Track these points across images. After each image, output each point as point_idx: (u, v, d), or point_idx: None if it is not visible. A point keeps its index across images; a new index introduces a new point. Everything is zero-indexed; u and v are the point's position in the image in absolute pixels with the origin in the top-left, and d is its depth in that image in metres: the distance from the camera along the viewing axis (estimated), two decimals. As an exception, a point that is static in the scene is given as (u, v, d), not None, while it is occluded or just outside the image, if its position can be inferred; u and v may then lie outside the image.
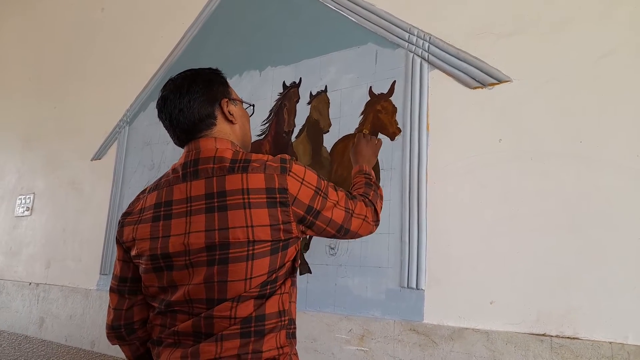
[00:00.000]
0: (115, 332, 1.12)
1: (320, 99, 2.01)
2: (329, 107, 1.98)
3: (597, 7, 1.45)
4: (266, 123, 2.17)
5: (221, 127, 1.10)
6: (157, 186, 1.10)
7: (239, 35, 2.40)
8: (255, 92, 2.25)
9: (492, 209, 1.51)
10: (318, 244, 1.88)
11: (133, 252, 1.06)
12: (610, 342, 1.26)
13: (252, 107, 1.24)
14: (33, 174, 3.45)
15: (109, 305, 1.14)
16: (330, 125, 1.95)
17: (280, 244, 0.98)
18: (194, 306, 0.97)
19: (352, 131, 1.88)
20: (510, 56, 1.57)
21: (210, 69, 1.17)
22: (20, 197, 3.46)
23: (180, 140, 1.12)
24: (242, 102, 1.19)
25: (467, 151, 1.59)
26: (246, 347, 0.94)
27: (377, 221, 1.22)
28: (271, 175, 0.98)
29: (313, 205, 1.03)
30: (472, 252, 1.51)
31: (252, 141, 2.17)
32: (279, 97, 2.15)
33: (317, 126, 2.00)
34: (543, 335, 1.35)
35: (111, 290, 1.13)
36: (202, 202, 0.98)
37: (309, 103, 2.05)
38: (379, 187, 1.32)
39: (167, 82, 1.15)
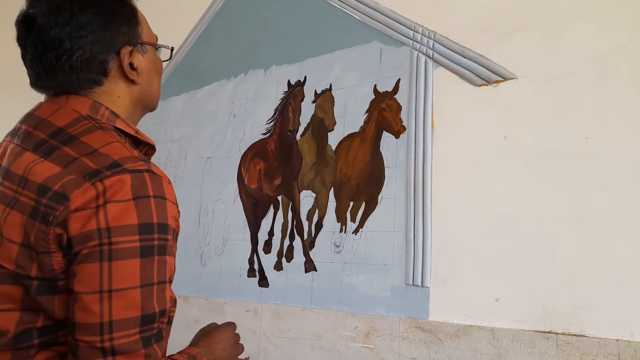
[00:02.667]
0: None
1: (325, 98, 2.02)
2: (333, 105, 1.98)
3: (601, 4, 1.45)
4: (271, 122, 2.18)
5: (110, 87, 0.75)
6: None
7: (244, 35, 2.41)
8: (260, 91, 2.26)
9: (497, 206, 1.51)
10: (323, 241, 1.89)
11: None
12: (617, 340, 1.25)
13: (170, 50, 0.89)
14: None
15: None
16: (335, 123, 1.96)
17: (34, 283, 0.64)
18: None
19: (357, 129, 1.88)
20: (515, 54, 1.56)
21: None
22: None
23: (42, 87, 0.76)
24: (156, 45, 0.84)
25: (472, 149, 1.59)
26: None
27: None
28: (66, 172, 0.63)
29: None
30: (477, 250, 1.51)
31: (257, 139, 2.22)
32: (283, 95, 2.16)
33: (322, 124, 2.00)
34: (549, 332, 1.35)
35: None
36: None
37: (313, 101, 2.05)
38: None
39: None
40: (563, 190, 1.41)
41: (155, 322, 0.63)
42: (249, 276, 2.09)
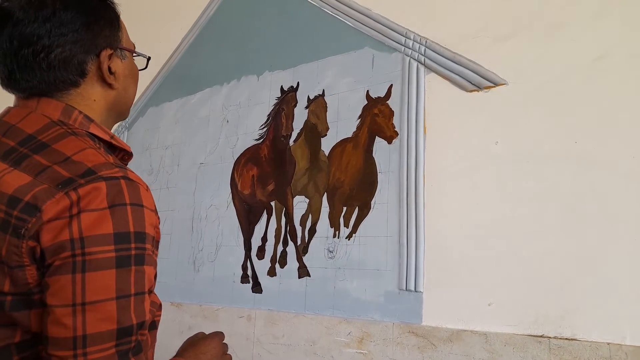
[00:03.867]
0: None
1: (317, 103, 2.03)
2: (326, 111, 1.99)
3: (590, 10, 1.47)
4: (264, 127, 2.18)
5: (86, 91, 0.72)
6: None
7: (237, 41, 2.42)
8: (253, 97, 2.26)
9: (489, 211, 1.52)
10: (316, 247, 1.89)
11: None
12: (608, 343, 1.26)
13: (147, 59, 0.87)
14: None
15: None
16: (328, 129, 1.96)
17: (8, 299, 0.62)
18: None
19: (349, 135, 1.89)
20: (505, 59, 1.58)
21: None
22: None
23: (12, 86, 0.70)
24: (133, 52, 0.82)
25: (464, 154, 1.60)
26: None
27: None
28: (38, 182, 0.59)
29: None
30: (470, 254, 1.52)
31: (250, 145, 2.22)
32: (276, 101, 2.17)
33: (314, 130, 2.01)
34: (541, 336, 1.36)
35: None
36: None
37: (306, 107, 2.06)
38: None
39: None
40: (554, 195, 1.42)
41: (132, 335, 0.59)
42: (242, 282, 2.08)
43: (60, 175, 0.59)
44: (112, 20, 0.75)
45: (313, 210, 1.94)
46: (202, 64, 2.56)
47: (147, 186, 0.66)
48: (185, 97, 2.56)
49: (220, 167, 2.28)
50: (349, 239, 1.80)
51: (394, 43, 1.84)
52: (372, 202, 1.77)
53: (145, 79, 2.84)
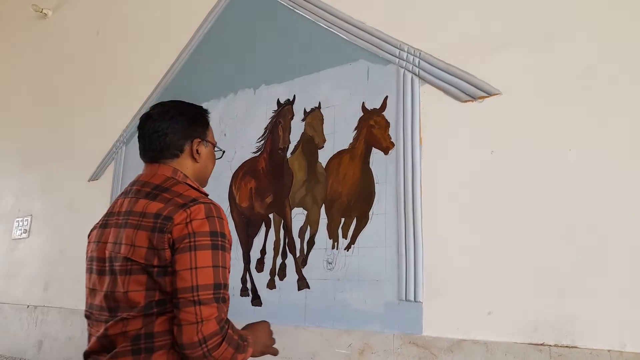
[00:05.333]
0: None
1: (314, 116, 2.04)
2: (323, 123, 2.00)
3: (582, 20, 1.49)
4: (261, 140, 2.19)
5: (183, 160, 1.19)
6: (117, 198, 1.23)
7: (233, 55, 2.44)
8: (250, 110, 2.28)
9: (486, 220, 1.52)
10: (315, 258, 1.89)
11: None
12: (609, 350, 1.26)
13: (222, 152, 1.34)
14: (30, 196, 3.45)
15: None
16: (324, 141, 1.98)
17: (155, 269, 1.02)
18: (102, 314, 1.08)
19: (346, 146, 1.90)
20: (499, 69, 1.60)
21: (200, 107, 1.26)
22: (17, 219, 3.46)
23: (145, 157, 1.21)
24: (214, 145, 1.28)
25: (460, 163, 1.61)
26: None
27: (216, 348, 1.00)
28: (168, 206, 1.05)
29: (181, 244, 1.01)
30: (469, 264, 1.52)
31: (248, 158, 2.24)
32: (273, 114, 2.18)
33: (311, 142, 2.02)
34: (542, 344, 1.36)
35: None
36: (120, 217, 1.11)
37: (303, 120, 2.07)
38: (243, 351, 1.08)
39: (158, 103, 1.24)
40: (551, 203, 1.43)
41: (221, 289, 1.02)
42: (242, 295, 2.08)
43: (179, 202, 1.06)
44: (203, 123, 1.23)
45: (311, 222, 1.94)
46: (199, 78, 2.58)
47: (222, 209, 1.11)
48: (183, 112, 2.57)
49: (218, 180, 2.28)
50: (347, 250, 1.81)
51: (389, 55, 1.86)
52: (370, 212, 1.78)
53: (143, 95, 2.86)
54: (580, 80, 1.45)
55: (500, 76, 1.59)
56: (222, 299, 1.02)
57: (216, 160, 1.30)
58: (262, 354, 1.19)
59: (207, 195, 1.20)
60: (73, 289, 2.88)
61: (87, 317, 1.14)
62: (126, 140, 2.89)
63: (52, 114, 3.55)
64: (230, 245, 1.10)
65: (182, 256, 1.00)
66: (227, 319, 1.04)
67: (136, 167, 2.73)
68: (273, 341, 1.24)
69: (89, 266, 1.15)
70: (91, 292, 1.14)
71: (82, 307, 2.96)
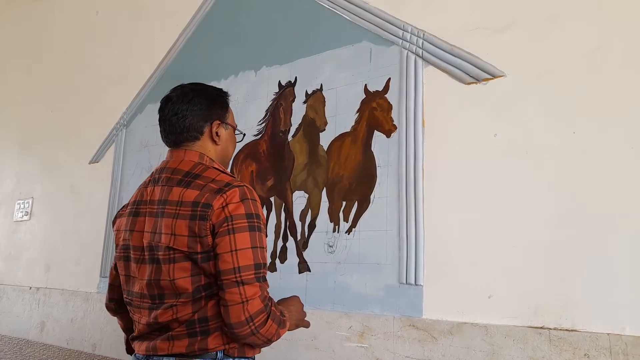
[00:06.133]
0: (110, 304, 1.32)
1: (315, 98, 2.02)
2: (324, 105, 1.98)
3: (588, 1, 1.46)
4: (262, 123, 2.17)
5: (204, 143, 1.21)
6: (142, 184, 1.24)
7: (234, 36, 2.41)
8: (251, 92, 2.26)
9: (488, 203, 1.52)
10: (316, 242, 1.89)
11: (115, 241, 1.24)
12: (608, 334, 1.26)
13: (242, 135, 1.36)
14: (31, 178, 3.45)
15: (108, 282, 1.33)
16: (326, 123, 1.96)
17: (199, 256, 1.05)
18: (144, 301, 1.11)
19: (348, 129, 1.89)
20: (503, 51, 1.57)
21: (220, 90, 1.27)
22: (19, 201, 3.46)
23: (167, 141, 1.23)
24: (235, 128, 1.29)
25: (462, 146, 1.60)
26: (193, 346, 1.06)
27: (263, 335, 1.06)
28: (204, 193, 1.07)
29: (221, 227, 1.04)
30: (470, 247, 1.52)
31: (249, 141, 2.22)
32: (274, 96, 2.16)
33: (313, 125, 2.00)
34: (541, 328, 1.36)
35: (110, 269, 1.31)
36: (154, 206, 1.13)
37: (304, 102, 2.05)
38: (282, 327, 1.12)
39: (178, 86, 1.25)
40: (553, 186, 1.42)
41: (262, 269, 1.06)
42: (242, 278, 2.08)
43: (214, 188, 1.08)
44: (223, 105, 1.25)
45: (312, 205, 1.94)
46: (199, 60, 2.55)
47: (253, 190, 1.13)
48: (183, 94, 2.55)
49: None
50: (348, 234, 1.81)
51: (392, 36, 1.83)
52: (372, 196, 1.77)
53: (143, 76, 2.83)
54: (586, 62, 1.43)
55: (504, 58, 1.56)
56: (263, 278, 1.06)
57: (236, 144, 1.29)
58: (297, 327, 1.25)
59: (234, 177, 1.20)
60: (75, 271, 2.89)
61: (128, 303, 1.17)
62: (126, 122, 2.87)
63: (52, 96, 3.53)
64: (265, 225, 1.17)
65: (222, 239, 1.04)
66: (270, 296, 1.08)
67: (136, 150, 2.72)
68: (305, 314, 1.29)
69: (125, 254, 1.17)
70: (128, 279, 1.17)
71: (84, 289, 2.98)
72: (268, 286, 1.09)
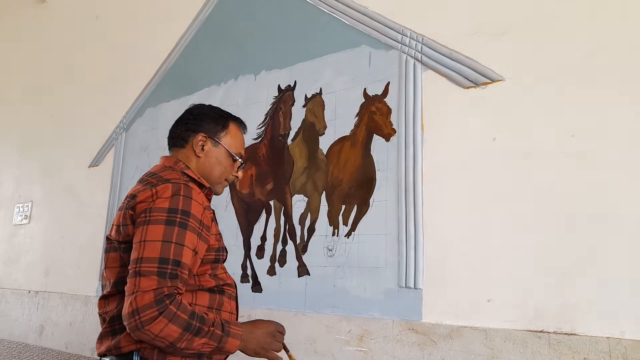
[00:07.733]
0: None
1: (315, 102, 2.02)
2: (324, 109, 1.99)
3: (586, 5, 1.47)
4: (262, 127, 2.18)
5: (188, 152, 1.22)
6: None
7: (233, 41, 2.41)
8: (250, 96, 2.26)
9: (487, 207, 1.52)
10: (316, 245, 1.89)
11: None
12: (608, 337, 1.26)
13: (240, 162, 1.27)
14: (31, 182, 3.45)
15: None
16: (325, 127, 1.96)
17: (122, 246, 1.07)
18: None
19: (347, 133, 1.89)
20: (502, 55, 1.58)
21: (228, 113, 1.29)
22: (18, 205, 3.46)
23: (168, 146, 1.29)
24: (229, 152, 1.23)
25: (462, 150, 1.60)
26: (111, 344, 1.04)
27: (147, 326, 0.95)
28: (140, 187, 1.09)
29: (141, 217, 1.03)
30: (469, 251, 1.52)
31: (248, 145, 2.21)
32: (274, 100, 2.16)
33: (312, 129, 2.01)
34: (541, 331, 1.36)
35: None
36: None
37: (304, 106, 2.06)
38: (208, 336, 1.02)
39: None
40: (552, 190, 1.42)
41: (168, 264, 0.99)
42: (242, 282, 2.08)
43: (152, 182, 1.08)
44: (218, 121, 1.24)
45: (312, 209, 1.94)
46: (199, 64, 2.56)
47: (200, 191, 1.11)
48: (183, 98, 2.56)
49: (219, 166, 2.28)
50: (348, 237, 1.81)
51: (391, 40, 1.84)
52: (371, 199, 1.77)
53: (142, 81, 2.84)
54: (584, 66, 1.43)
55: (503, 62, 1.57)
56: (170, 275, 0.98)
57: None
58: (257, 354, 1.11)
59: (207, 187, 1.20)
60: (74, 275, 2.89)
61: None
62: (126, 126, 2.87)
63: (51, 100, 3.53)
64: (203, 225, 1.07)
65: (137, 230, 1.02)
66: (175, 295, 0.98)
67: (136, 153, 2.73)
68: (275, 345, 1.13)
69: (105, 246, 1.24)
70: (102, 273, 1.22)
71: (83, 292, 2.99)
72: (181, 288, 1.00)
